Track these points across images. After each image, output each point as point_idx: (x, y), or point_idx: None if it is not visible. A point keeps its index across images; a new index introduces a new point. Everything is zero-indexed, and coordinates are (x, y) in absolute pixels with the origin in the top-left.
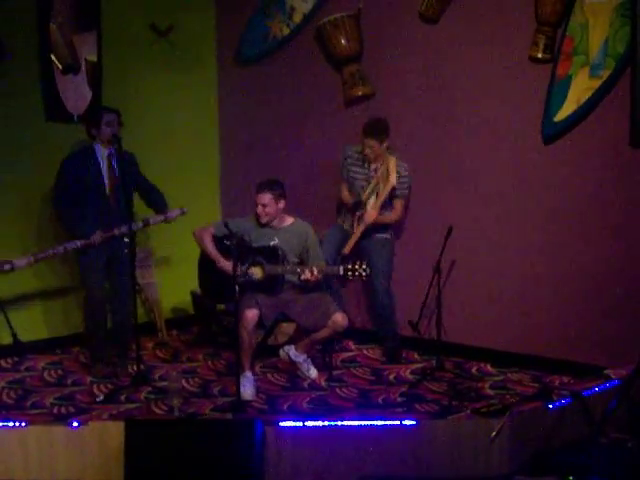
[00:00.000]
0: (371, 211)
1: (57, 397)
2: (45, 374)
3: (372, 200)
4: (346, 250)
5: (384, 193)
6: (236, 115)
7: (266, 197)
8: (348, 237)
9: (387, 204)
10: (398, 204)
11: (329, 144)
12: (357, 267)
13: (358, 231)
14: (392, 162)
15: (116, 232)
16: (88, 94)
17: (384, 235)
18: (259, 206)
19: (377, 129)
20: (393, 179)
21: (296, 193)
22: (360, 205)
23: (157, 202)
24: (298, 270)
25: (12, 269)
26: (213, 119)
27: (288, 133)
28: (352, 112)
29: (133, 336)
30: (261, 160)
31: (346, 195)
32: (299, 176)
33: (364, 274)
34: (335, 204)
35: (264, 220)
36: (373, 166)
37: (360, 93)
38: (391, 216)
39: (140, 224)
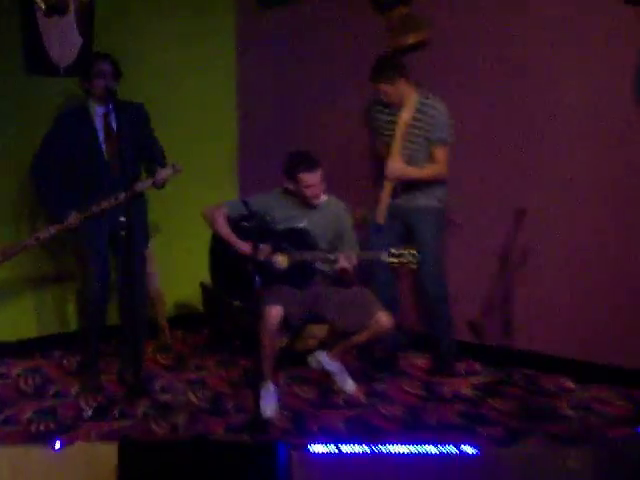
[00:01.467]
0: (392, 161)
1: (35, 411)
2: (21, 383)
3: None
4: (377, 218)
5: (398, 134)
6: (258, 71)
7: (319, 175)
8: (398, 218)
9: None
10: (437, 152)
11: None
12: (405, 252)
13: (385, 192)
14: (411, 98)
15: (94, 209)
16: (77, 41)
17: (429, 202)
18: (310, 188)
19: (382, 70)
20: (406, 115)
21: (330, 168)
22: None
23: (153, 159)
24: (332, 257)
25: None
26: (230, 75)
27: (321, 93)
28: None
29: (147, 334)
30: (287, 126)
31: (382, 151)
32: (334, 147)
33: (414, 262)
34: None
35: (317, 201)
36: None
37: (411, 41)
38: (427, 170)
39: (121, 195)
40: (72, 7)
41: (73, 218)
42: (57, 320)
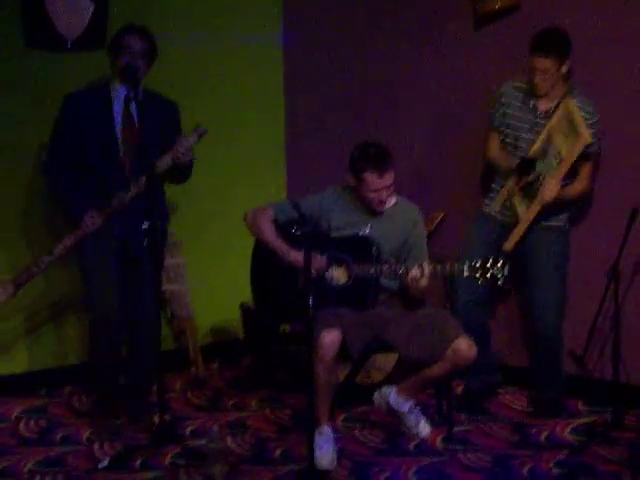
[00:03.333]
0: (553, 183)
1: (39, 461)
2: (21, 426)
3: (549, 165)
4: (508, 245)
5: (572, 156)
6: (309, 48)
7: (389, 178)
8: (501, 228)
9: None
10: (586, 167)
11: (450, 85)
12: (489, 266)
13: (529, 214)
14: (572, 104)
15: (116, 203)
16: (89, 8)
17: (558, 222)
18: (376, 192)
19: (554, 41)
20: (586, 134)
21: (400, 163)
22: (527, 167)
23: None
24: (401, 271)
25: None
26: (274, 54)
27: (386, 73)
28: (487, 36)
29: (157, 370)
30: (346, 116)
31: (495, 152)
32: (404, 138)
33: (499, 276)
34: (466, 181)
35: (380, 209)
36: (543, 106)
37: (498, 5)
38: (575, 187)
39: (142, 182)
40: None
41: (90, 219)
42: (65, 350)
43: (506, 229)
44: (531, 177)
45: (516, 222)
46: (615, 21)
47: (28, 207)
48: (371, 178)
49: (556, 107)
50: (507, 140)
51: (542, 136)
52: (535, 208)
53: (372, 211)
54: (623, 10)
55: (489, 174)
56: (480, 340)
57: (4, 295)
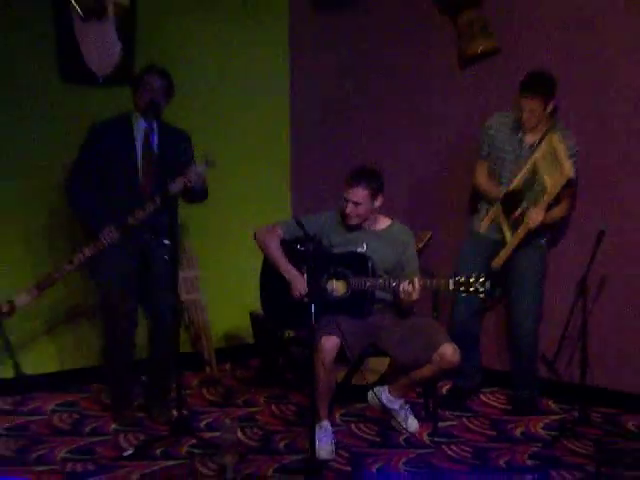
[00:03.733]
0: (538, 212)
1: (71, 450)
2: (55, 419)
3: (534, 196)
4: (496, 263)
5: (556, 189)
6: (312, 77)
7: (360, 193)
8: (492, 245)
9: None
10: (565, 194)
11: (436, 119)
12: (472, 281)
13: (515, 239)
14: (555, 138)
15: (131, 220)
16: (117, 47)
17: (538, 242)
18: (349, 203)
19: (541, 83)
20: (569, 169)
21: (391, 185)
22: (511, 197)
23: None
24: (393, 284)
25: (12, 312)
26: (282, 83)
27: (379, 103)
28: (470, 75)
29: (174, 371)
30: (344, 140)
31: (483, 180)
32: (396, 162)
33: (481, 290)
34: (450, 205)
35: (353, 221)
36: (529, 140)
37: (481, 49)
38: (556, 211)
39: (157, 201)
40: (111, 10)
41: (108, 233)
42: (96, 351)
43: (496, 245)
44: (518, 212)
45: (504, 239)
46: (582, 61)
47: (53, 221)
48: (345, 190)
49: (540, 140)
50: (493, 167)
51: (527, 167)
52: (521, 233)
53: (370, 230)
54: (589, 53)
55: (476, 196)
56: (472, 346)
57: (29, 297)
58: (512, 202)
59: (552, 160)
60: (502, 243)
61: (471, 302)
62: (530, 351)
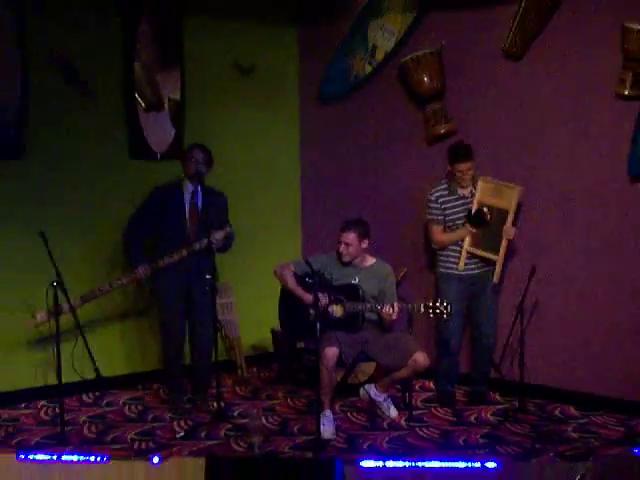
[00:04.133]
0: (510, 227)
1: (137, 432)
2: (126, 409)
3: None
4: (496, 279)
5: (514, 203)
6: (318, 152)
7: (350, 236)
8: (466, 283)
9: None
10: None
11: (411, 182)
12: (438, 305)
13: (502, 252)
14: (485, 178)
15: (161, 263)
16: (171, 132)
17: (490, 270)
18: (342, 244)
19: (469, 150)
20: (515, 185)
21: (376, 231)
22: (478, 218)
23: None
24: (378, 307)
25: (58, 314)
26: (295, 156)
27: (369, 171)
28: (435, 150)
29: (213, 373)
30: (342, 197)
31: (443, 237)
32: (380, 214)
33: (445, 312)
34: (420, 247)
35: (346, 259)
36: (467, 192)
37: (443, 131)
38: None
39: (184, 252)
40: (166, 104)
41: (141, 269)
42: (155, 358)
43: (473, 278)
44: (487, 227)
45: (482, 259)
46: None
47: (109, 252)
48: (339, 233)
49: (474, 187)
50: (448, 225)
51: (474, 204)
52: (505, 245)
53: (360, 266)
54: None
55: (439, 254)
56: (457, 354)
57: (73, 306)
58: (478, 223)
59: (494, 191)
60: (479, 275)
61: (460, 321)
62: (490, 355)
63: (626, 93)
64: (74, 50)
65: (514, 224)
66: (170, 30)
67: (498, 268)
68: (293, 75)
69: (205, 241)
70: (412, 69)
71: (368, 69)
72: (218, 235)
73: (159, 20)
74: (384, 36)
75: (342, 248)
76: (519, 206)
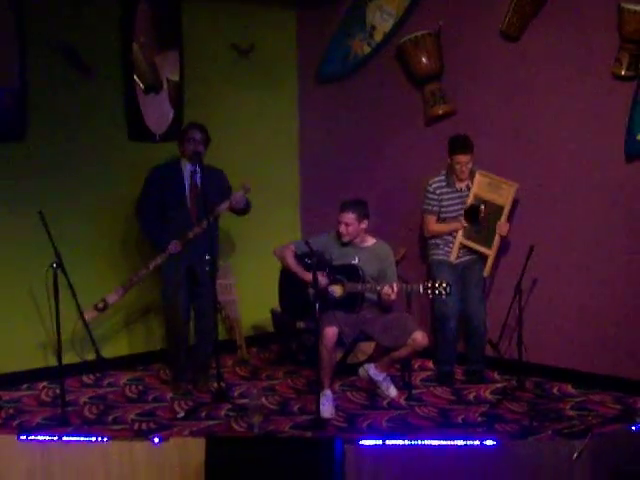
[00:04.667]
0: (504, 223)
1: (138, 413)
2: (126, 390)
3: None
4: (487, 272)
5: (510, 199)
6: (316, 133)
7: (349, 216)
8: (457, 269)
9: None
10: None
11: (409, 163)
12: (437, 285)
13: (495, 247)
14: (481, 172)
15: (190, 235)
16: (170, 113)
17: (479, 256)
18: (342, 224)
19: (469, 143)
20: (512, 182)
21: (375, 211)
22: (473, 214)
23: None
24: (378, 288)
25: (105, 307)
26: (293, 137)
27: (368, 152)
28: (432, 131)
29: (213, 354)
30: (340, 178)
31: (437, 227)
32: (378, 194)
33: (444, 292)
34: (412, 226)
35: (346, 239)
36: (463, 185)
37: (441, 112)
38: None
39: (211, 219)
40: (165, 86)
41: (173, 245)
42: (156, 339)
43: (464, 265)
44: (481, 222)
45: (476, 252)
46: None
47: (127, 237)
48: (339, 213)
49: (471, 181)
50: (443, 216)
51: (470, 198)
52: (497, 241)
53: (360, 246)
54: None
55: (432, 242)
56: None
57: (116, 296)
58: (473, 219)
59: (490, 186)
60: (469, 262)
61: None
62: (483, 335)
63: (623, 74)
64: (73, 32)
65: (508, 220)
66: (169, 11)
67: (490, 262)
68: (292, 56)
69: (226, 204)
70: (410, 50)
71: (367, 50)
72: (238, 195)
73: (158, 1)
74: (383, 17)
75: (342, 228)
76: (514, 203)
